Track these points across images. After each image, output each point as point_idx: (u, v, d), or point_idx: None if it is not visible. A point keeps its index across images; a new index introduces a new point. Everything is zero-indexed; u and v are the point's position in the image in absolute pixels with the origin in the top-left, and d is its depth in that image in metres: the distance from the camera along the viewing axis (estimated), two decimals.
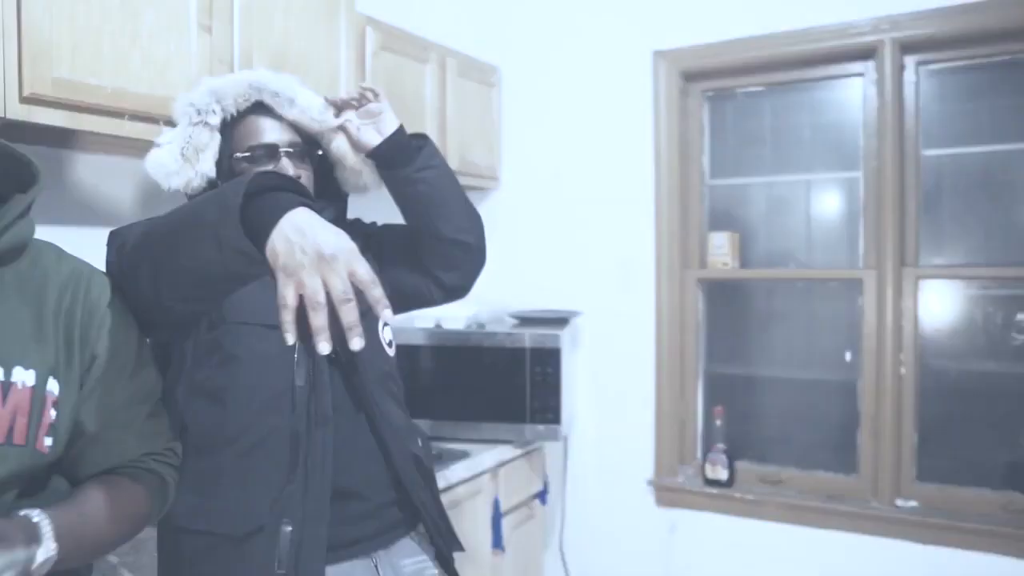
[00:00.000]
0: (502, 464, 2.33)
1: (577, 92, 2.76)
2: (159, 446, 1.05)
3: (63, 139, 1.67)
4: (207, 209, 0.93)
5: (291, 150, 1.35)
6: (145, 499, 0.99)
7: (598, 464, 2.75)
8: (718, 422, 2.51)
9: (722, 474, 2.49)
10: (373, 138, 1.45)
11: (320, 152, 1.45)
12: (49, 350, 0.92)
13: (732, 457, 2.50)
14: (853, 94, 2.42)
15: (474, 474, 2.20)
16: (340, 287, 0.80)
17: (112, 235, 1.19)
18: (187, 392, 1.26)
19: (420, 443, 1.46)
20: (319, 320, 0.80)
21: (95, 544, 0.93)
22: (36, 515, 0.83)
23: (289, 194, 0.90)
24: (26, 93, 1.42)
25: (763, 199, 2.62)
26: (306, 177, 1.37)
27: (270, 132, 1.35)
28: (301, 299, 0.82)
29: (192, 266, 0.96)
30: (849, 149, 2.43)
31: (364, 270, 0.83)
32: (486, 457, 2.26)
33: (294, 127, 1.39)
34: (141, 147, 1.77)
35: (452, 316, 2.49)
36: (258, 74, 1.38)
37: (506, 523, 2.34)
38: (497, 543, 2.28)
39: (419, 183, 1.46)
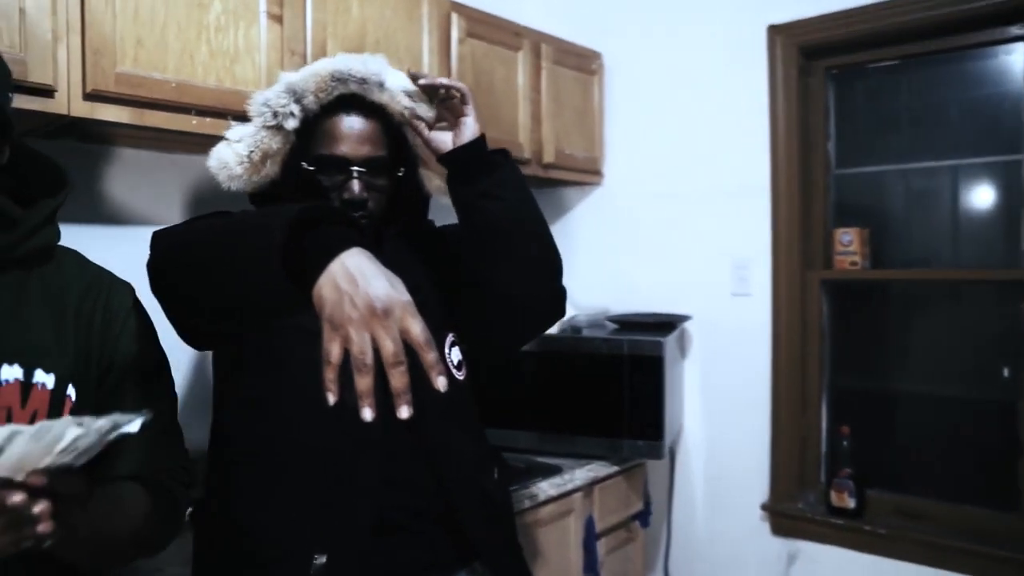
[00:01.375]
0: (597, 482, 2.14)
1: (685, 76, 2.52)
2: (168, 462, 1.01)
3: (126, 137, 1.63)
4: (251, 238, 0.85)
5: (364, 169, 1.20)
6: (149, 509, 0.94)
7: (707, 485, 2.51)
8: (845, 443, 2.21)
9: (849, 502, 2.19)
10: (445, 141, 1.26)
11: (401, 171, 1.29)
12: (68, 354, 0.93)
13: (862, 484, 2.20)
14: (1013, 62, 2.07)
15: (564, 491, 2.02)
16: (391, 348, 0.73)
17: (155, 236, 1.10)
18: (226, 400, 1.17)
19: (496, 474, 1.31)
20: (364, 383, 0.73)
21: (93, 545, 0.86)
22: None
23: (342, 228, 0.81)
24: (89, 89, 1.38)
25: (900, 190, 2.30)
26: (376, 198, 1.23)
27: (347, 140, 1.21)
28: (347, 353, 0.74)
29: (231, 291, 0.89)
30: (1007, 128, 2.08)
31: (419, 329, 0.75)
32: (579, 473, 2.08)
33: (382, 121, 1.25)
34: (207, 144, 1.73)
35: None
36: (341, 61, 1.23)
37: (601, 546, 2.15)
38: (590, 568, 2.09)
39: (485, 208, 1.23)
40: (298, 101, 1.20)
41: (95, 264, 1.03)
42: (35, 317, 0.91)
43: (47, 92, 1.34)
